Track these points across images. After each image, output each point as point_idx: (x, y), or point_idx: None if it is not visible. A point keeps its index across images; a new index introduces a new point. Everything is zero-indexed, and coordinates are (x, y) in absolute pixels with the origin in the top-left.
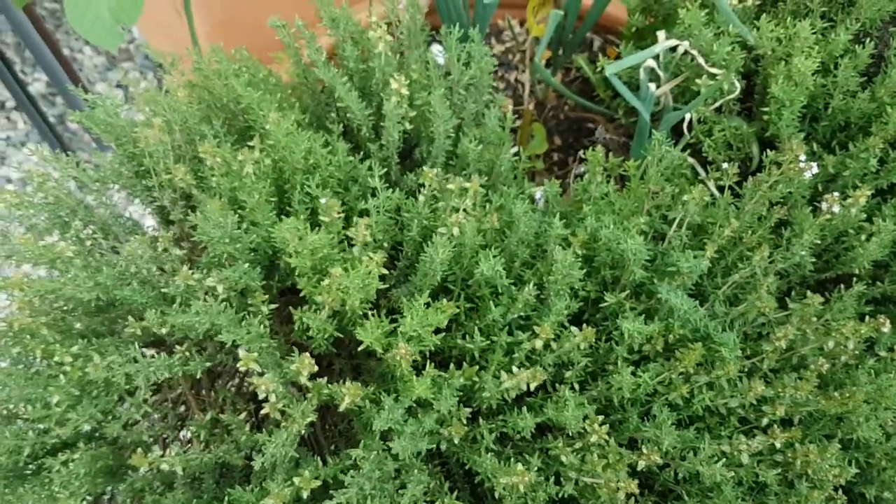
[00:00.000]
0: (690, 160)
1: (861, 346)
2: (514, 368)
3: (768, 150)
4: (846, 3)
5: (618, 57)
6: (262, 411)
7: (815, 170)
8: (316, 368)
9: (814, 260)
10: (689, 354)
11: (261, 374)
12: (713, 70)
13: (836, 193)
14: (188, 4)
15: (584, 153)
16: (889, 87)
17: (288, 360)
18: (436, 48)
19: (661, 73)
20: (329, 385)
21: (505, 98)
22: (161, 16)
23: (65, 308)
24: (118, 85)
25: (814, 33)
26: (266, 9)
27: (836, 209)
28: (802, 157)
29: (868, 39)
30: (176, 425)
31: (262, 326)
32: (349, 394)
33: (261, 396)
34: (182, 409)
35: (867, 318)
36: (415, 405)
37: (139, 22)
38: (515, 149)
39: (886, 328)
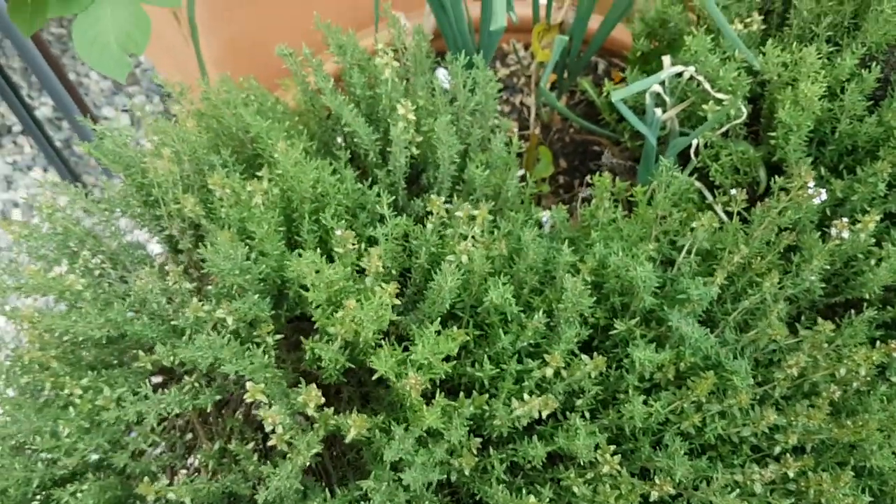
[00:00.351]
0: (698, 185)
1: (873, 371)
2: (525, 396)
3: (776, 175)
4: (852, 27)
5: (623, 81)
6: (270, 442)
7: (824, 196)
8: (323, 400)
9: (823, 285)
10: (700, 383)
11: (268, 406)
12: (719, 95)
13: (845, 219)
14: (195, 31)
15: (591, 178)
16: (895, 112)
17: (295, 392)
18: (441, 73)
19: (666, 98)
20: (336, 416)
21: (510, 122)
22: (168, 40)
23: (74, 341)
24: (125, 109)
25: (819, 58)
26: (273, 33)
27: (845, 235)
28: (811, 184)
29: (874, 63)
30: (184, 454)
31: (266, 357)
32: (355, 425)
33: (267, 429)
34: (189, 436)
35: (878, 342)
36: (425, 435)
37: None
38: (521, 172)
39: None
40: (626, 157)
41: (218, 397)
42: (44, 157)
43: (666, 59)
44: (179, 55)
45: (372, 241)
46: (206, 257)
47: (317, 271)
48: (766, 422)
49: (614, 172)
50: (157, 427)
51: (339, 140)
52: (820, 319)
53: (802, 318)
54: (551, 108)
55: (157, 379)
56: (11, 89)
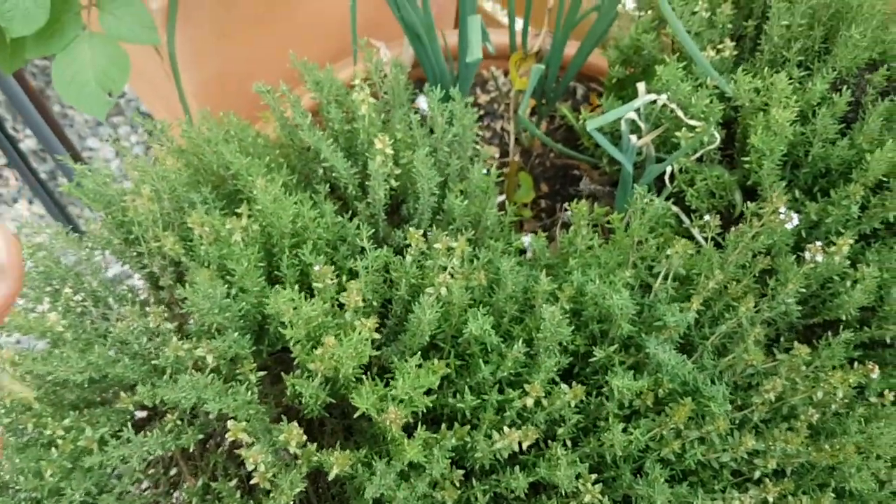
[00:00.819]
0: (675, 209)
1: (851, 393)
2: (506, 428)
3: (752, 197)
4: (822, 51)
5: (600, 107)
6: (253, 480)
7: (796, 221)
8: (305, 438)
9: (800, 307)
10: (678, 410)
11: (251, 445)
12: (692, 122)
13: (818, 242)
14: (175, 67)
15: (569, 205)
16: (867, 133)
17: (278, 429)
18: (422, 101)
19: (641, 125)
20: (319, 452)
21: (490, 149)
22: (150, 74)
23: (56, 381)
24: (108, 140)
25: (790, 83)
26: (254, 66)
27: (819, 258)
28: (782, 209)
29: (845, 87)
30: (168, 490)
31: (249, 393)
32: (338, 462)
33: (249, 468)
34: (174, 472)
35: (856, 363)
36: (407, 468)
37: (130, 79)
38: (502, 198)
39: (875, 374)
40: (605, 181)
41: (201, 436)
42: (29, 190)
43: (641, 86)
44: (162, 89)
45: (353, 274)
46: (186, 297)
47: (295, 308)
48: (745, 447)
49: (594, 197)
50: (140, 467)
51: (320, 173)
52: (797, 343)
53: (781, 339)
54: (531, 133)
55: (142, 414)
56: None
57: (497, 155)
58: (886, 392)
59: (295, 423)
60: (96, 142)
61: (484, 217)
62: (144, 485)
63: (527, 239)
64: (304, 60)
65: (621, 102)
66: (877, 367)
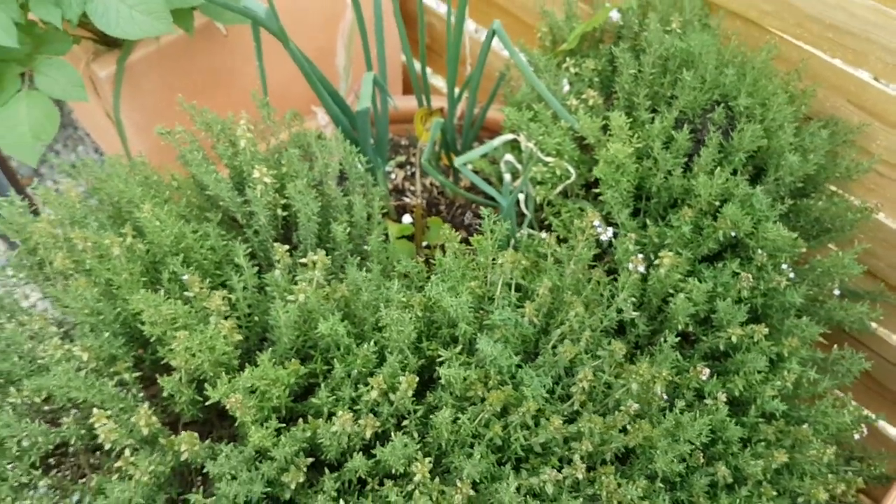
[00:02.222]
0: (535, 233)
1: (691, 394)
2: (341, 412)
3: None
4: (670, 97)
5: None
6: (116, 464)
7: (611, 233)
8: (155, 420)
9: (647, 323)
10: (497, 394)
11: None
12: (546, 158)
13: (640, 255)
14: (120, 126)
15: (443, 232)
16: (701, 165)
17: (136, 415)
18: (320, 112)
19: (518, 167)
20: (173, 438)
21: (382, 189)
22: (103, 125)
23: None
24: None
25: (631, 121)
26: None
27: (640, 268)
28: (597, 222)
29: (686, 125)
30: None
31: (122, 391)
32: (185, 442)
33: (106, 447)
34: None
35: (692, 369)
36: (255, 454)
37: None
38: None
39: (705, 376)
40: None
41: (83, 432)
42: None
43: (522, 136)
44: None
45: (232, 290)
46: (58, 297)
47: (155, 307)
48: (554, 427)
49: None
50: (38, 464)
51: (214, 204)
52: (615, 341)
53: (638, 352)
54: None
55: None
56: None
57: (420, 203)
58: (720, 394)
59: (146, 405)
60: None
61: (364, 244)
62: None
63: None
64: (194, 104)
65: (511, 149)
66: (707, 370)
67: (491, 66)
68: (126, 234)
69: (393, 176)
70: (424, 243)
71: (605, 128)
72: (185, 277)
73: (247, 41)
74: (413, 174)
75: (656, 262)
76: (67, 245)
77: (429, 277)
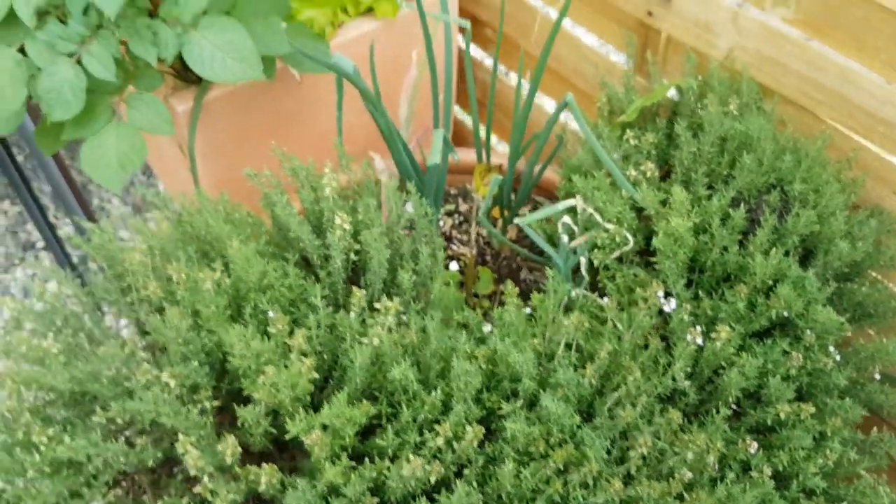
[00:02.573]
0: (591, 295)
1: (738, 465)
2: (411, 457)
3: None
4: (727, 175)
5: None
6: (196, 489)
7: (673, 305)
8: (240, 450)
9: (697, 393)
10: (561, 452)
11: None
12: (607, 225)
13: (698, 328)
14: (193, 158)
15: (503, 286)
16: (757, 244)
17: (223, 445)
18: (408, 206)
19: (575, 228)
20: (254, 469)
21: (441, 240)
22: (172, 161)
23: (46, 399)
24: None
25: (690, 197)
26: (264, 165)
27: (699, 340)
28: (660, 293)
29: (743, 204)
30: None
31: (204, 418)
32: (265, 473)
33: (192, 473)
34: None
35: (742, 441)
36: (327, 490)
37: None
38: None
39: (754, 449)
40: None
41: (160, 454)
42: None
43: (578, 198)
44: (180, 174)
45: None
46: (155, 326)
47: (246, 343)
48: (615, 489)
49: (538, 287)
50: (110, 483)
51: (293, 244)
52: (672, 410)
53: (685, 421)
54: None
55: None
56: (39, 210)
57: (474, 254)
58: (765, 468)
59: (233, 436)
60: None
61: (427, 291)
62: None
63: (487, 327)
64: (282, 150)
65: (567, 212)
66: (755, 443)
67: (535, 122)
68: (216, 268)
69: (441, 223)
70: (473, 292)
71: (663, 201)
72: (271, 314)
73: (317, 87)
74: (460, 223)
75: (712, 335)
76: (156, 274)
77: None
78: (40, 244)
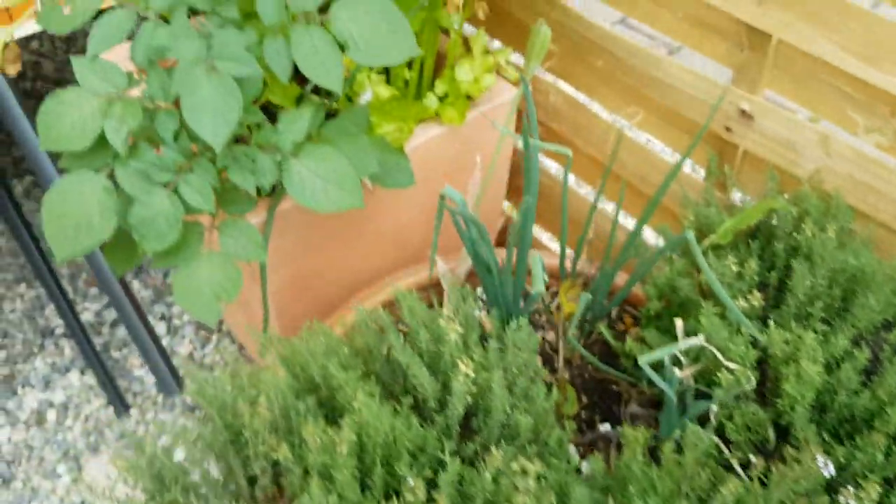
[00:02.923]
0: (715, 440)
1: None
2: None
3: (781, 435)
4: (841, 308)
5: (635, 326)
6: None
7: (832, 470)
8: None
9: None
10: None
11: None
12: (731, 365)
13: (851, 488)
14: (264, 273)
15: (619, 429)
16: (886, 388)
17: None
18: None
19: (682, 359)
20: None
21: (544, 370)
22: None
23: None
24: (161, 318)
25: (816, 338)
26: (328, 270)
27: (852, 503)
28: (820, 458)
29: (863, 343)
30: None
31: None
32: None
33: None
34: None
35: None
36: None
37: None
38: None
39: None
40: (646, 402)
41: None
42: (82, 360)
43: (679, 323)
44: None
45: (430, 483)
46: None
47: None
48: None
49: (634, 417)
50: None
51: (402, 384)
52: None
53: None
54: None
55: None
56: (61, 293)
57: (566, 378)
58: None
59: None
60: (151, 318)
61: (543, 434)
62: None
63: (585, 463)
64: (399, 288)
65: (657, 332)
66: None
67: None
68: (346, 426)
69: None
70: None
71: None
72: (411, 482)
73: (384, 194)
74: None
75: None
76: (272, 427)
77: (623, 483)
78: (59, 330)
